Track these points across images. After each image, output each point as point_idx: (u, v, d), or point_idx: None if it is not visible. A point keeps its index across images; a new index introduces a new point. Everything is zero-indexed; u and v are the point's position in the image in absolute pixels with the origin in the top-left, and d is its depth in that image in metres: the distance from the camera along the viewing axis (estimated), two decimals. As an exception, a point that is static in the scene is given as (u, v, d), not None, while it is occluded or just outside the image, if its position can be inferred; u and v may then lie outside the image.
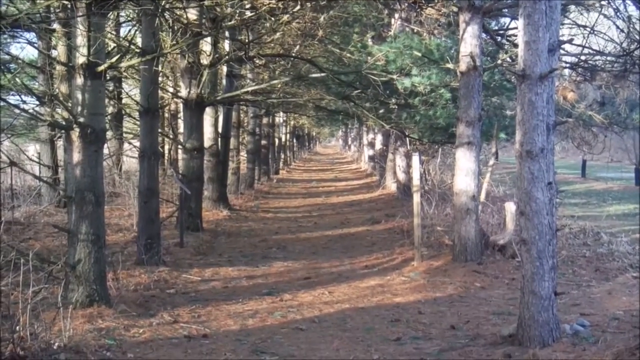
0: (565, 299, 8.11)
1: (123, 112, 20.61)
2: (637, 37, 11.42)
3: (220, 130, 19.72)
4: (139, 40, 11.63)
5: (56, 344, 6.06)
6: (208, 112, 17.17)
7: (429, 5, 13.36)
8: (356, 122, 26.42)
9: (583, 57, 13.37)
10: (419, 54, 13.08)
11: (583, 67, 13.50)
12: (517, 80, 6.36)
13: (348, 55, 14.97)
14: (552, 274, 6.24)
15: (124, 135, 21.23)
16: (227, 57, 15.53)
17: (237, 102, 19.69)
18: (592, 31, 12.04)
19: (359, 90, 15.20)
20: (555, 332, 6.19)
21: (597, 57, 13.30)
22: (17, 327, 5.88)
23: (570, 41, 11.18)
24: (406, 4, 15.43)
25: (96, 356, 6.06)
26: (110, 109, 18.56)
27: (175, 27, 13.04)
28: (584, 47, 12.95)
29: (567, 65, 13.89)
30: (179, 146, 18.35)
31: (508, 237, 10.99)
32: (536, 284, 6.16)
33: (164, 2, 9.72)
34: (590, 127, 15.29)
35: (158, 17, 10.69)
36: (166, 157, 23.44)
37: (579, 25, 12.99)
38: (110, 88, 18.13)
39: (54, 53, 13.50)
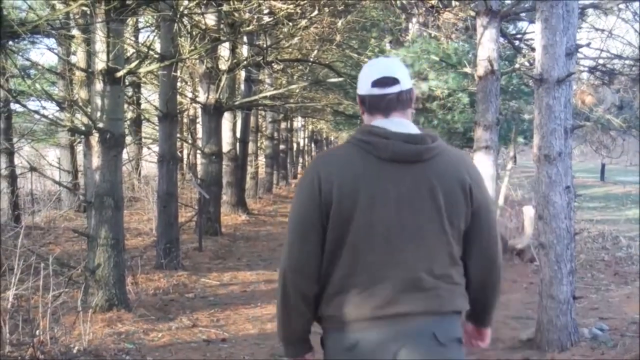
0: (584, 303, 8.07)
1: (142, 117, 20.74)
2: (656, 40, 11.38)
3: (238, 134, 19.80)
4: (157, 46, 11.69)
5: (76, 348, 6.11)
6: (226, 116, 17.24)
7: (447, 9, 13.34)
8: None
9: (601, 61, 13.29)
10: (437, 58, 13.07)
11: (601, 71, 13.42)
12: (534, 84, 6.35)
13: (366, 59, 14.99)
14: (571, 278, 6.22)
15: (143, 140, 21.36)
16: (245, 62, 15.59)
17: (255, 106, 19.77)
18: (610, 35, 11.98)
19: (377, 95, 15.20)
20: (573, 336, 6.16)
21: (615, 61, 13.22)
22: (37, 331, 5.94)
23: (588, 45, 11.08)
24: (424, 9, 15.41)
25: (116, 360, 6.11)
26: (129, 114, 18.67)
27: (194, 33, 13.10)
28: (602, 50, 12.88)
29: (585, 68, 13.82)
30: (198, 151, 18.41)
31: (526, 241, 10.96)
32: (554, 288, 6.14)
33: (182, 7, 9.78)
34: (609, 130, 15.20)
35: (176, 23, 10.76)
36: (185, 162, 23.54)
37: (596, 29, 12.91)
38: (130, 93, 18.24)
39: (73, 59, 13.61)
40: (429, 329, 2.50)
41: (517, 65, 13.51)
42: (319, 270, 2.55)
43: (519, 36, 15.11)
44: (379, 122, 2.60)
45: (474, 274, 2.66)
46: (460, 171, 2.58)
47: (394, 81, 2.60)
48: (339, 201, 2.48)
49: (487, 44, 10.74)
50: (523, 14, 13.20)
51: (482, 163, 10.78)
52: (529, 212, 10.98)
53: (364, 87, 2.67)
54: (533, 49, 11.35)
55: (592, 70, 13.69)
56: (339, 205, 2.48)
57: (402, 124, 2.58)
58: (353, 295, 2.49)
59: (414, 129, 2.58)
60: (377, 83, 2.61)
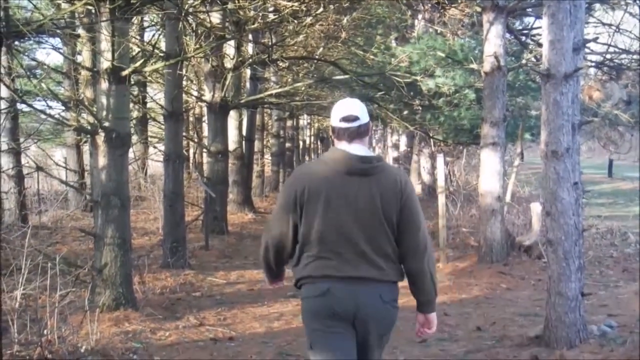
0: (593, 299, 8.04)
1: (148, 116, 20.74)
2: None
3: (244, 133, 19.79)
4: (162, 45, 11.70)
5: (83, 347, 6.11)
6: (232, 115, 17.23)
7: (453, 5, 13.31)
8: (380, 123, 26.34)
9: (608, 56, 13.26)
10: (443, 55, 13.05)
11: (608, 66, 13.38)
12: (541, 79, 6.31)
13: (371, 56, 14.97)
14: (579, 275, 6.19)
15: (149, 139, 21.37)
16: (250, 60, 15.57)
17: (261, 105, 19.75)
18: (617, 29, 11.93)
19: (383, 92, 15.21)
20: (582, 333, 6.13)
21: (623, 56, 13.18)
22: (45, 331, 5.94)
23: (595, 40, 11.06)
24: (429, 5, 15.37)
25: (123, 359, 6.10)
26: (135, 113, 18.68)
27: (199, 31, 13.10)
28: (609, 45, 12.84)
29: (593, 64, 13.78)
30: (204, 149, 18.43)
31: (534, 237, 10.93)
32: (563, 285, 6.11)
33: (187, 6, 9.77)
34: (617, 126, 15.16)
35: (181, 21, 10.76)
36: (191, 161, 23.56)
37: (604, 24, 12.86)
38: (135, 92, 18.25)
39: (78, 58, 13.62)
40: (377, 290, 3.58)
41: (523, 61, 13.49)
42: (290, 241, 3.67)
43: (525, 32, 15.07)
44: (344, 146, 3.64)
45: (408, 254, 3.66)
46: (395, 182, 3.62)
47: (355, 118, 3.63)
48: (307, 199, 3.56)
49: (494, 40, 10.72)
50: (529, 10, 13.17)
51: (489, 160, 10.77)
52: (536, 208, 10.94)
53: (334, 120, 3.69)
54: (540, 45, 11.33)
55: (599, 65, 13.66)
56: (308, 201, 3.57)
57: (359, 149, 3.62)
58: (321, 263, 3.58)
59: (367, 152, 3.64)
60: (343, 119, 3.64)
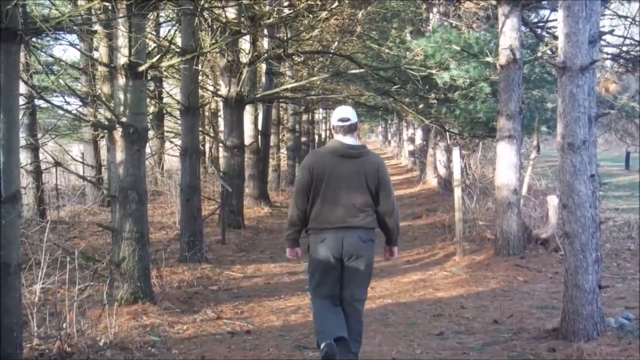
0: (610, 292, 8.02)
1: (164, 111, 20.83)
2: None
3: (260, 127, 19.83)
4: (178, 40, 11.73)
5: (102, 341, 6.17)
6: (248, 109, 17.28)
7: (468, -2, 13.28)
8: (396, 117, 26.32)
9: (625, 48, 13.16)
10: (458, 48, 13.01)
11: (625, 58, 13.29)
12: (557, 72, 6.30)
13: (387, 50, 14.95)
14: (596, 267, 6.18)
15: (165, 134, 21.47)
16: (266, 54, 15.61)
17: (276, 99, 19.79)
18: (633, 21, 11.85)
19: (398, 86, 15.18)
20: (599, 325, 6.12)
21: (639, 48, 13.09)
22: (64, 324, 6.00)
23: (611, 32, 10.99)
24: (444, -2, 15.35)
25: (142, 352, 6.15)
26: (151, 109, 18.77)
27: (215, 26, 13.13)
28: (625, 37, 12.75)
29: (609, 56, 13.69)
30: (220, 144, 18.48)
31: (551, 230, 10.90)
32: (580, 277, 6.10)
33: (202, 1, 9.80)
34: (633, 118, 15.06)
35: (197, 17, 10.78)
36: (207, 155, 23.62)
37: (620, 16, 12.78)
38: (151, 88, 18.33)
39: (95, 54, 13.68)
40: (357, 233, 5.41)
41: (539, 54, 13.43)
42: (305, 208, 5.51)
43: (540, 24, 14.98)
44: (339, 138, 5.53)
45: (382, 212, 5.54)
46: (374, 164, 5.51)
47: (347, 119, 5.53)
48: (317, 175, 5.43)
49: (509, 33, 10.69)
50: (545, 2, 13.12)
51: (505, 152, 10.75)
52: (553, 201, 10.91)
53: (333, 120, 5.60)
54: (555, 37, 11.29)
55: (615, 57, 13.57)
56: (316, 178, 5.43)
57: (350, 140, 5.51)
58: (323, 217, 5.44)
59: (355, 142, 5.55)
60: (339, 120, 5.54)
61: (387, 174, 5.55)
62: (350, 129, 5.49)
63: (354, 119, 5.52)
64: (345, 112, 5.56)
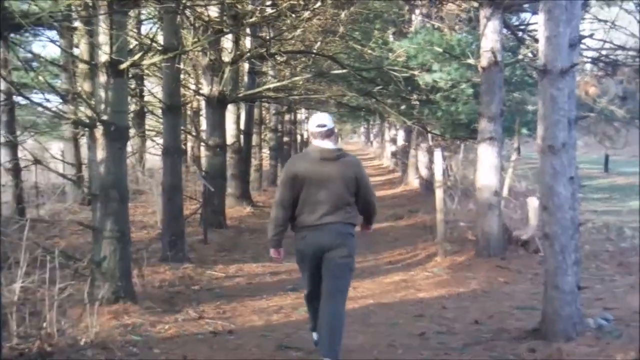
0: (589, 293, 8.07)
1: (145, 109, 20.73)
2: (659, 31, 11.32)
3: (242, 127, 19.80)
4: (160, 38, 11.68)
5: (83, 340, 6.13)
6: (230, 109, 17.25)
7: (450, 0, 13.33)
8: (378, 118, 26.40)
9: (604, 52, 13.26)
10: (440, 50, 13.05)
11: (604, 62, 13.39)
12: (538, 75, 6.34)
13: (369, 51, 14.97)
14: (575, 269, 6.23)
15: (147, 132, 21.36)
16: (248, 54, 15.59)
17: (259, 99, 19.76)
18: (613, 26, 11.94)
19: (381, 87, 15.21)
20: (578, 326, 6.17)
21: (619, 52, 13.18)
22: (44, 324, 5.96)
23: (591, 36, 11.10)
24: (427, 0, 15.39)
25: (123, 352, 6.12)
26: (133, 107, 18.68)
27: (197, 25, 13.10)
28: (605, 41, 12.84)
29: (589, 60, 13.79)
30: (202, 143, 18.44)
31: (531, 232, 10.97)
32: (559, 279, 6.15)
33: None
34: (612, 121, 15.18)
35: (179, 15, 10.75)
36: (189, 154, 23.55)
37: (600, 20, 12.87)
38: (133, 86, 18.25)
39: (76, 51, 13.61)
40: (336, 228, 5.74)
41: (520, 57, 13.50)
42: (289, 207, 5.80)
43: (522, 27, 15.08)
44: (318, 142, 5.85)
45: (360, 208, 5.98)
46: (353, 164, 5.90)
47: (324, 125, 5.85)
48: (298, 179, 5.73)
49: (491, 35, 10.75)
50: (526, 5, 13.19)
51: (486, 154, 10.81)
52: (533, 203, 10.97)
53: (312, 127, 5.92)
54: (536, 40, 11.35)
55: (595, 61, 13.67)
56: (298, 181, 5.73)
57: (327, 144, 5.82)
58: (305, 217, 5.77)
59: (333, 146, 5.84)
60: (317, 126, 5.86)
61: (364, 173, 5.98)
62: (327, 134, 5.85)
63: (330, 124, 5.90)
64: (322, 118, 5.94)
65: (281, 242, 5.95)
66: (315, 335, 6.10)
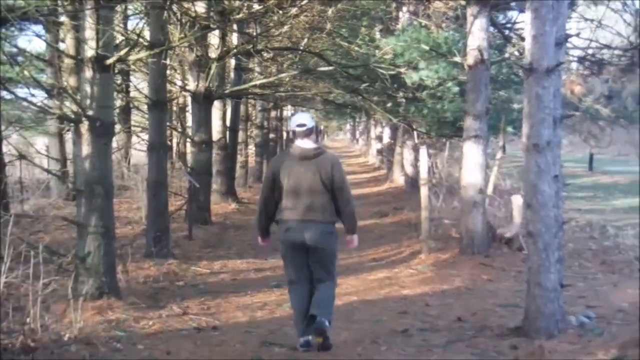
0: (572, 291, 8.12)
1: (131, 105, 20.67)
2: (645, 30, 11.38)
3: (228, 123, 19.78)
4: (147, 34, 11.65)
5: (67, 336, 6.12)
6: (216, 105, 17.23)
7: (437, -2, 13.35)
8: (364, 115, 26.42)
9: (590, 51, 13.29)
10: (427, 48, 13.07)
11: (590, 61, 13.43)
12: (524, 73, 6.37)
13: (356, 48, 14.99)
14: (558, 266, 6.27)
15: (133, 128, 21.29)
16: (235, 50, 15.55)
17: (245, 95, 19.73)
18: (599, 25, 11.99)
19: (367, 84, 15.23)
20: (561, 323, 6.21)
21: (604, 51, 13.23)
22: (28, 319, 5.93)
23: (577, 35, 11.16)
24: (414, -3, 15.42)
25: (107, 347, 6.11)
26: (118, 102, 18.62)
27: (184, 20, 13.07)
28: (591, 40, 12.88)
29: (574, 58, 13.84)
30: (188, 139, 18.41)
31: (515, 229, 11.02)
32: (542, 276, 6.19)
33: (172, -5, 9.76)
34: (597, 120, 15.24)
35: (166, 10, 10.73)
36: (174, 150, 23.52)
37: (586, 19, 12.91)
38: (119, 81, 18.18)
39: (62, 46, 13.53)
40: (318, 227, 6.15)
41: (506, 55, 13.56)
42: (273, 201, 6.32)
43: (508, 25, 15.13)
44: (298, 142, 6.28)
45: (339, 205, 6.24)
46: (330, 163, 6.24)
47: (304, 125, 6.28)
48: (280, 175, 6.22)
49: (477, 33, 10.78)
50: (513, 3, 13.25)
51: (472, 152, 10.85)
52: (517, 201, 11.02)
53: (292, 126, 6.38)
54: (523, 39, 11.38)
55: (581, 60, 13.72)
56: (279, 176, 6.22)
57: (307, 143, 6.27)
58: (287, 211, 6.20)
59: (312, 145, 6.28)
60: (298, 125, 6.29)
61: (341, 171, 6.34)
62: (307, 133, 6.29)
63: (310, 124, 6.33)
64: (302, 118, 6.41)
65: (268, 231, 6.54)
66: (302, 340, 6.24)
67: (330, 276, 6.37)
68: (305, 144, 6.26)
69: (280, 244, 6.38)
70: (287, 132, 42.91)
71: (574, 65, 14.64)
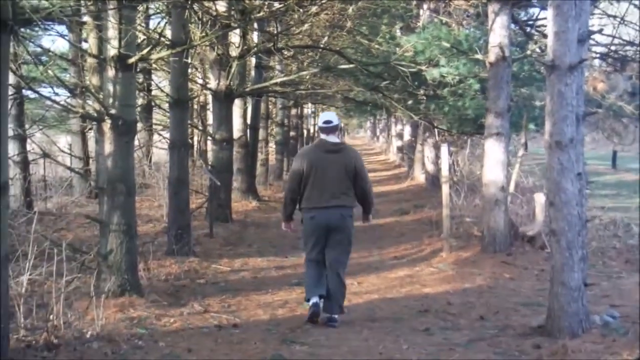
0: (595, 290, 8.08)
1: (153, 103, 20.76)
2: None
3: (249, 121, 19.81)
4: (168, 33, 11.69)
5: (89, 333, 6.16)
6: (237, 103, 17.26)
7: (458, -5, 13.30)
8: (384, 113, 26.33)
9: (613, 48, 13.21)
10: (448, 45, 13.03)
11: (613, 58, 13.35)
12: (546, 70, 6.33)
13: (376, 46, 14.94)
14: (582, 265, 6.22)
15: (154, 126, 21.39)
16: (255, 48, 15.58)
17: (265, 93, 19.75)
18: (622, 21, 11.89)
19: (388, 82, 15.18)
20: (584, 323, 6.17)
21: (628, 48, 13.14)
22: (51, 316, 5.99)
23: (600, 31, 11.05)
24: (435, -5, 15.36)
25: (128, 345, 6.14)
26: (140, 101, 18.71)
27: (205, 19, 13.09)
28: (614, 37, 12.79)
29: (597, 55, 13.75)
30: (209, 137, 18.44)
31: (537, 228, 10.96)
32: (566, 275, 6.15)
33: (193, -6, 9.78)
34: (621, 117, 15.12)
35: (187, 9, 10.75)
36: (195, 148, 23.58)
37: (609, 16, 12.81)
38: (140, 80, 18.27)
39: (84, 45, 13.62)
40: (339, 211, 7.03)
41: (528, 52, 13.46)
42: (298, 190, 7.15)
43: (530, 22, 15.02)
44: (324, 137, 7.19)
45: (358, 194, 7.15)
46: (352, 157, 7.16)
47: (330, 122, 7.16)
48: (306, 166, 7.07)
49: (499, 31, 10.73)
50: (534, 1, 13.15)
51: (493, 150, 10.80)
52: (540, 199, 10.96)
53: (320, 123, 7.29)
54: (545, 36, 11.32)
55: (604, 56, 13.63)
56: (306, 168, 7.05)
57: (332, 138, 7.18)
58: (312, 199, 7.06)
59: (337, 140, 7.24)
60: (324, 122, 7.20)
61: (362, 164, 7.29)
62: (332, 130, 7.20)
63: (335, 121, 7.22)
64: (328, 116, 7.29)
65: (292, 216, 7.45)
66: (310, 301, 7.14)
67: (343, 265, 7.25)
68: (331, 138, 7.19)
69: (304, 229, 7.26)
70: (308, 130, 43.13)
71: (597, 62, 14.55)
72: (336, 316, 7.11)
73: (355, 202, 7.22)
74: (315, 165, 7.06)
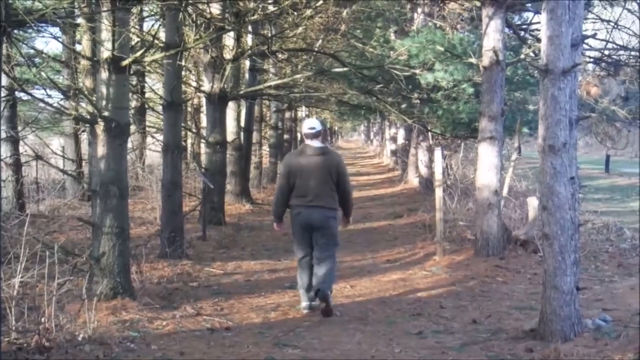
0: (588, 294, 8.08)
1: (146, 106, 20.73)
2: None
3: (242, 124, 19.79)
4: (162, 35, 11.68)
5: (81, 336, 6.14)
6: (231, 106, 17.24)
7: (452, -1, 13.32)
8: (378, 116, 26.37)
9: (606, 52, 13.25)
10: (442, 49, 13.04)
11: (606, 62, 13.39)
12: (540, 75, 6.34)
13: (370, 49, 14.95)
14: (574, 269, 6.23)
15: (147, 129, 21.37)
16: (249, 51, 15.58)
17: (259, 96, 19.76)
18: (615, 26, 11.93)
19: (382, 85, 15.19)
20: (577, 326, 6.17)
21: (621, 52, 13.18)
22: (43, 319, 5.96)
23: (593, 36, 11.05)
24: (429, -2, 15.38)
25: (120, 348, 6.13)
26: (133, 103, 18.69)
27: (199, 22, 13.10)
28: (607, 41, 12.83)
29: (591, 60, 13.79)
30: (202, 140, 18.44)
31: (530, 232, 10.96)
32: (558, 279, 6.15)
33: (187, -4, 9.77)
34: (614, 122, 15.17)
35: (181, 12, 10.75)
36: (189, 151, 23.56)
37: (602, 20, 12.86)
38: (134, 82, 18.25)
39: (78, 47, 13.61)
40: (322, 211, 7.57)
41: (522, 56, 13.49)
42: (288, 192, 7.68)
43: (524, 27, 15.07)
44: (308, 142, 7.72)
45: (340, 196, 7.69)
46: (334, 160, 7.71)
47: (314, 128, 7.68)
48: (293, 170, 7.63)
49: (493, 35, 10.74)
50: (529, 5, 13.19)
51: (487, 153, 10.81)
52: (533, 203, 10.96)
53: (304, 129, 7.89)
54: (538, 40, 11.35)
55: (597, 61, 13.68)
56: (293, 171, 7.62)
57: (316, 143, 7.68)
58: (299, 198, 7.61)
59: (320, 145, 7.69)
60: (308, 128, 7.74)
61: (344, 167, 7.82)
62: (316, 135, 7.71)
63: (318, 127, 7.74)
64: (312, 123, 7.84)
65: (282, 218, 7.96)
66: (304, 304, 7.78)
67: (330, 254, 7.68)
68: (314, 143, 7.70)
69: (293, 225, 7.76)
70: (301, 133, 43.18)
71: (590, 66, 14.60)
72: (328, 291, 7.60)
73: (338, 205, 7.75)
74: (301, 168, 7.57)
